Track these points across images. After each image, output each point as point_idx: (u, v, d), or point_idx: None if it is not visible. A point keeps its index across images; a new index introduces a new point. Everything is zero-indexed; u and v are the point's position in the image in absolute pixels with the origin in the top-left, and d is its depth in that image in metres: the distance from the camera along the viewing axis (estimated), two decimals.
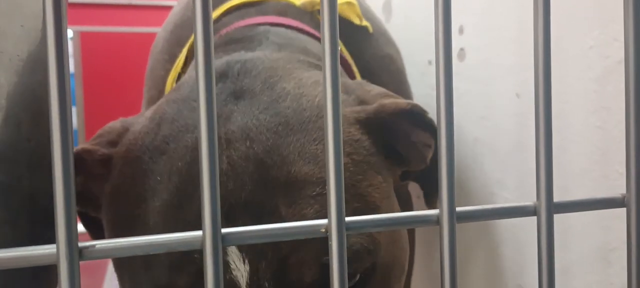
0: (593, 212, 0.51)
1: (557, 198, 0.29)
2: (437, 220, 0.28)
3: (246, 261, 0.38)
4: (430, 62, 0.79)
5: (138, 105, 0.77)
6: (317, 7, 0.64)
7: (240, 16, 0.62)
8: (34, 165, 0.38)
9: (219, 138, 0.41)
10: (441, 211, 0.28)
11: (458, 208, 0.28)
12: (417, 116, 0.47)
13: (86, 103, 2.05)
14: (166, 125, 0.44)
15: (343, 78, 0.54)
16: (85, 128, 2.04)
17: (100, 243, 0.25)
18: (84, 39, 2.09)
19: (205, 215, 0.25)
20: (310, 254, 0.38)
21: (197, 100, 0.25)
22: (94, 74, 2.10)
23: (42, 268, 0.38)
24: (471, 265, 0.73)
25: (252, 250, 0.38)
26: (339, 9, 0.53)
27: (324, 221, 0.27)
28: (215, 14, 0.63)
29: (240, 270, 0.38)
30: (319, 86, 0.46)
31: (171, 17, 0.74)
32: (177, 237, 0.26)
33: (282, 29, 0.59)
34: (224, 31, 0.60)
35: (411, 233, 0.75)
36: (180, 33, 0.68)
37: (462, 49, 0.71)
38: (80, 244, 0.24)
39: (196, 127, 0.40)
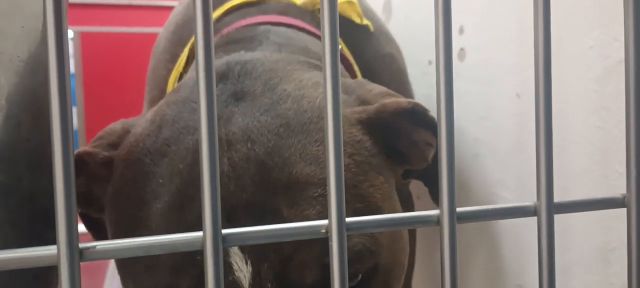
0: (593, 212, 0.51)
1: (557, 198, 0.29)
2: (437, 221, 0.28)
3: (248, 262, 0.38)
4: (430, 62, 0.79)
5: (138, 105, 0.77)
6: (318, 6, 0.64)
7: (241, 16, 0.62)
8: (34, 165, 0.38)
9: (220, 139, 0.41)
10: (441, 211, 0.28)
11: (458, 209, 0.28)
12: (418, 115, 0.47)
13: (86, 103, 2.05)
14: (167, 127, 0.44)
15: (344, 78, 0.54)
16: (85, 128, 2.04)
17: (100, 245, 0.25)
18: (84, 39, 2.09)
19: (205, 216, 0.25)
20: (313, 255, 0.38)
21: (197, 101, 0.25)
22: (94, 75, 2.10)
23: (43, 269, 0.38)
24: (471, 265, 0.73)
25: (254, 251, 0.38)
26: (339, 8, 0.53)
27: (325, 222, 0.27)
28: (216, 13, 0.63)
29: (243, 271, 0.38)
30: (319, 87, 0.46)
31: (173, 17, 0.74)
32: (178, 238, 0.26)
33: (283, 29, 0.59)
34: (225, 31, 0.60)
35: (412, 233, 0.75)
36: (182, 33, 0.69)
37: (462, 49, 0.71)
38: (81, 245, 0.24)
39: (197, 128, 0.40)
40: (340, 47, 0.62)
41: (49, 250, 0.24)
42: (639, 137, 0.31)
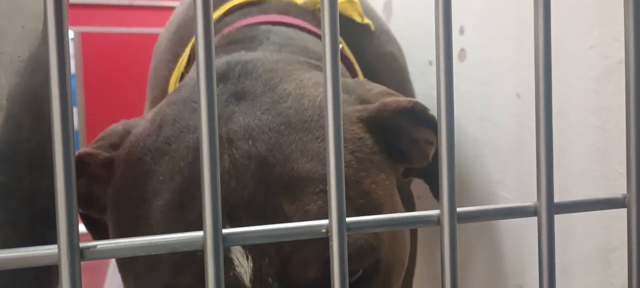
0: (593, 212, 0.51)
1: (557, 198, 0.29)
2: (437, 221, 0.28)
3: (249, 258, 0.38)
4: (430, 62, 0.79)
5: (139, 105, 0.77)
6: (319, 5, 0.64)
7: (242, 15, 0.62)
8: (34, 166, 0.38)
9: (221, 137, 0.41)
10: (442, 211, 0.28)
11: (459, 209, 0.28)
12: (418, 113, 0.47)
13: (87, 104, 2.05)
14: (167, 126, 0.44)
15: (344, 77, 0.54)
16: (86, 129, 2.04)
17: (101, 244, 0.25)
18: (85, 39, 2.09)
19: (206, 216, 0.25)
20: (313, 251, 0.38)
21: (197, 101, 0.25)
22: (95, 75, 2.10)
23: (43, 269, 0.38)
24: (472, 265, 0.73)
25: (255, 248, 0.38)
26: (340, 7, 0.53)
27: (325, 221, 0.27)
28: (217, 13, 0.64)
29: (244, 266, 0.38)
30: (320, 87, 0.46)
31: (174, 18, 0.74)
32: (178, 237, 0.26)
33: (284, 28, 0.59)
34: (225, 31, 0.60)
35: (413, 232, 0.76)
36: (183, 33, 0.69)
37: (462, 49, 0.71)
38: (82, 244, 0.24)
39: (197, 127, 0.40)
40: (340, 46, 0.62)
41: (49, 250, 0.24)
42: (639, 137, 0.31)
